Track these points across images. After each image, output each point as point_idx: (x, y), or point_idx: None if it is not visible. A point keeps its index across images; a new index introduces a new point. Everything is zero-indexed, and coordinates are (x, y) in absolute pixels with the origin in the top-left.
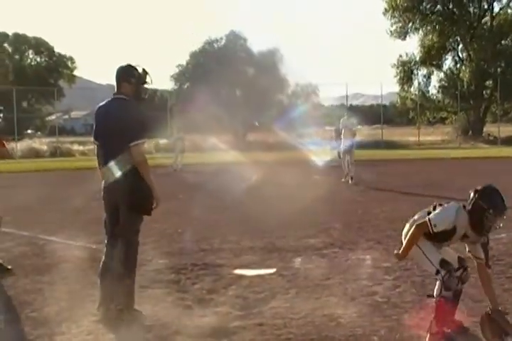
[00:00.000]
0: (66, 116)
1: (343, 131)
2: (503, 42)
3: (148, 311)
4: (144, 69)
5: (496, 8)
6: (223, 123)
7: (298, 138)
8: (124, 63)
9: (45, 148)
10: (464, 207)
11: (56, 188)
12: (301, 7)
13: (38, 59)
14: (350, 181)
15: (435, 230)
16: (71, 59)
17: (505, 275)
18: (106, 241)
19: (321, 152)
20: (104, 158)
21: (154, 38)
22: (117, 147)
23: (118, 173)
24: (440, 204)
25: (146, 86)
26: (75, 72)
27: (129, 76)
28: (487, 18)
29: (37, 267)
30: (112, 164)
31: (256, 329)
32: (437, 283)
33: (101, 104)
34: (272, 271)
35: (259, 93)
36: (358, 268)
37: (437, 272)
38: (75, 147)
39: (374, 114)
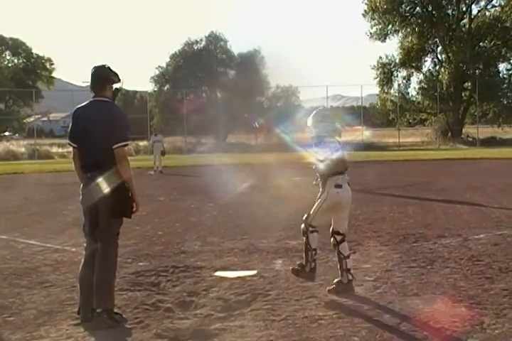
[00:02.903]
0: (45, 118)
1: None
2: (481, 44)
3: (129, 314)
4: (111, 69)
5: (474, 10)
6: (204, 125)
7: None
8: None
9: (23, 150)
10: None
11: (34, 191)
12: (281, 9)
13: (16, 60)
14: None
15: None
16: (49, 60)
17: (484, 275)
18: (85, 244)
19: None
20: (84, 160)
21: (134, 39)
22: (99, 149)
23: (106, 190)
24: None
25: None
26: (54, 74)
27: (115, 77)
28: (465, 21)
29: (15, 271)
30: (100, 180)
31: (237, 331)
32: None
33: (79, 105)
34: (253, 272)
35: (239, 95)
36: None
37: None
38: (54, 149)
39: (354, 115)
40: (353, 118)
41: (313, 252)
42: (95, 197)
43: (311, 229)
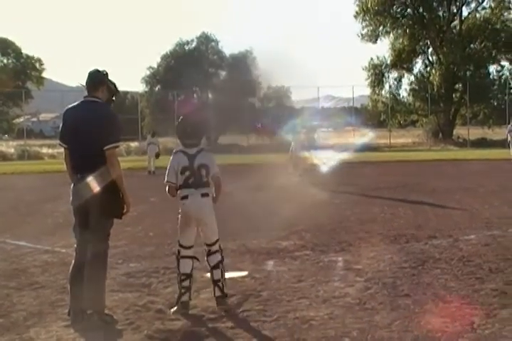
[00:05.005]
0: (34, 119)
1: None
2: (471, 45)
3: (120, 315)
4: (108, 77)
5: (465, 12)
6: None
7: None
8: (97, 67)
9: (12, 151)
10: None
11: (24, 192)
12: (273, 10)
13: (5, 60)
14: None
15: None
16: (39, 60)
17: (475, 276)
18: (76, 245)
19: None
20: (74, 161)
21: (125, 40)
22: (89, 150)
23: (96, 189)
24: None
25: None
26: (44, 74)
27: (110, 82)
28: (456, 22)
29: (4, 272)
30: (90, 179)
31: (228, 332)
32: (218, 254)
33: (70, 105)
34: (244, 273)
35: (231, 96)
36: (329, 270)
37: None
38: (44, 150)
39: (345, 116)
40: (345, 119)
41: (183, 277)
42: (85, 197)
43: (181, 249)
